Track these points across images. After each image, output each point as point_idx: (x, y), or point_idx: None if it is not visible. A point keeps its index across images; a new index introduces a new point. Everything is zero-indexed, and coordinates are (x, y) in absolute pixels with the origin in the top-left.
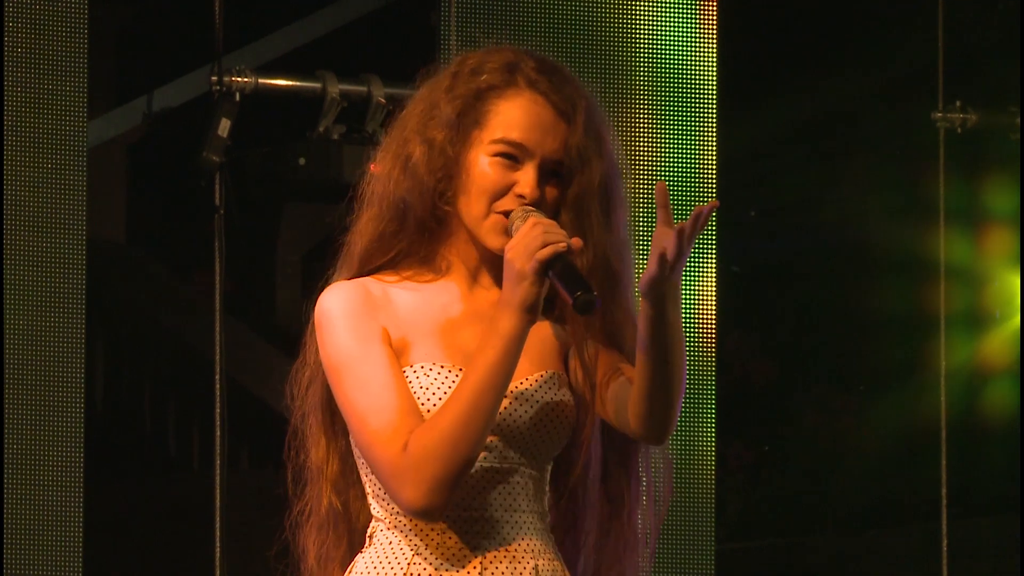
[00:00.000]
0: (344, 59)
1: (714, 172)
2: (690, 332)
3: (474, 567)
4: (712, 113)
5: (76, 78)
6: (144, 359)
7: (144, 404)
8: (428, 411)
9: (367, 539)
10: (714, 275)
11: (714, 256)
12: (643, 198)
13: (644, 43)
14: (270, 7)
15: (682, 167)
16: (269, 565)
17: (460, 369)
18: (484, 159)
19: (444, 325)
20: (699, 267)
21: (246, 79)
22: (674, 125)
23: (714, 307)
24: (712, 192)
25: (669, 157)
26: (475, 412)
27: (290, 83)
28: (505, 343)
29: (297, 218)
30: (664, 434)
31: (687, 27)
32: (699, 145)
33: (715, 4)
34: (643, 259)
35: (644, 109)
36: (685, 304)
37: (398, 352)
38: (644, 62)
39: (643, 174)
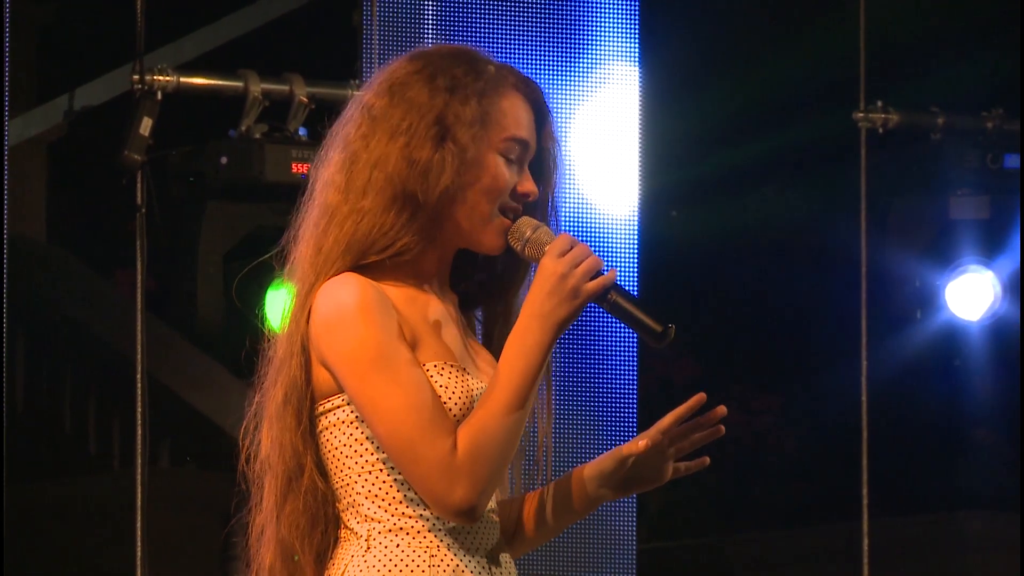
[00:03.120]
0: (266, 58)
1: (637, 171)
2: (612, 331)
3: (488, 564)
4: (635, 112)
5: None
6: (64, 357)
7: (64, 403)
8: (449, 410)
9: (363, 543)
10: (636, 274)
11: (636, 256)
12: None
13: (565, 44)
14: (191, 6)
15: (605, 166)
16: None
17: (464, 368)
18: (496, 158)
19: (433, 325)
20: (621, 267)
21: (168, 78)
22: (596, 123)
23: None
24: (635, 190)
25: (591, 156)
26: (519, 417)
27: (212, 82)
28: (544, 354)
29: (219, 217)
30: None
31: (608, 27)
32: (622, 144)
33: (637, 4)
34: None
35: (565, 110)
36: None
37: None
38: (565, 63)
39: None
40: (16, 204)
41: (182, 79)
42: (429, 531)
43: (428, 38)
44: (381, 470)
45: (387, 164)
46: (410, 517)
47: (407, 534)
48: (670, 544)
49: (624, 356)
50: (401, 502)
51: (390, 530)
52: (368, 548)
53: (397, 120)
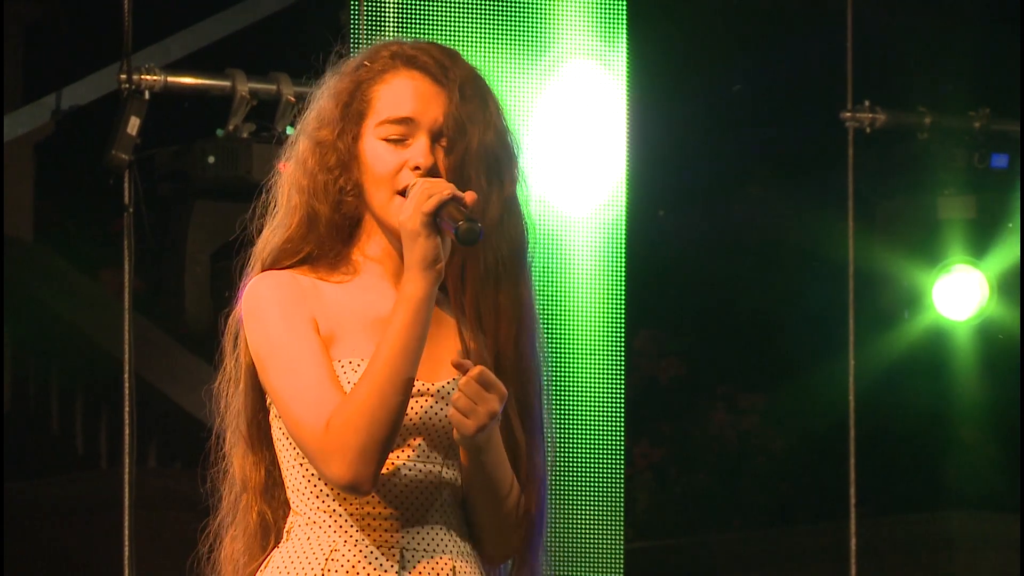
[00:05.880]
0: (253, 57)
1: (624, 171)
2: (598, 330)
3: (393, 564)
4: (622, 110)
5: None
6: (52, 357)
7: (52, 402)
8: None
9: (284, 534)
10: (624, 274)
11: (624, 255)
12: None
13: (555, 42)
14: (179, 5)
15: (591, 165)
16: (187, 570)
17: None
18: (373, 144)
19: (369, 322)
20: (609, 266)
21: (155, 77)
22: (584, 122)
23: (623, 306)
24: (622, 190)
25: (578, 156)
26: (392, 379)
27: (199, 81)
28: (415, 305)
29: (206, 217)
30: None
31: (597, 25)
32: (609, 144)
33: (624, 2)
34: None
35: (552, 110)
36: (595, 301)
37: (326, 344)
38: (555, 60)
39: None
40: (4, 203)
41: (169, 78)
42: (340, 526)
43: (416, 36)
44: (301, 463)
45: (285, 177)
46: (323, 511)
47: (319, 527)
48: (657, 544)
49: (611, 356)
50: (317, 496)
51: (307, 523)
52: (288, 539)
53: (296, 133)
